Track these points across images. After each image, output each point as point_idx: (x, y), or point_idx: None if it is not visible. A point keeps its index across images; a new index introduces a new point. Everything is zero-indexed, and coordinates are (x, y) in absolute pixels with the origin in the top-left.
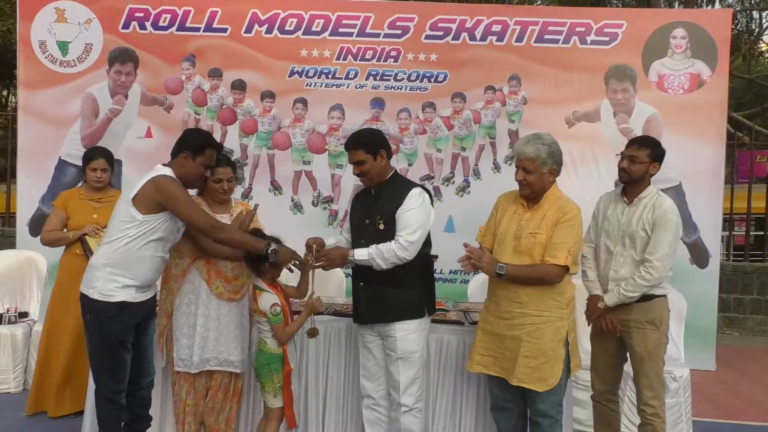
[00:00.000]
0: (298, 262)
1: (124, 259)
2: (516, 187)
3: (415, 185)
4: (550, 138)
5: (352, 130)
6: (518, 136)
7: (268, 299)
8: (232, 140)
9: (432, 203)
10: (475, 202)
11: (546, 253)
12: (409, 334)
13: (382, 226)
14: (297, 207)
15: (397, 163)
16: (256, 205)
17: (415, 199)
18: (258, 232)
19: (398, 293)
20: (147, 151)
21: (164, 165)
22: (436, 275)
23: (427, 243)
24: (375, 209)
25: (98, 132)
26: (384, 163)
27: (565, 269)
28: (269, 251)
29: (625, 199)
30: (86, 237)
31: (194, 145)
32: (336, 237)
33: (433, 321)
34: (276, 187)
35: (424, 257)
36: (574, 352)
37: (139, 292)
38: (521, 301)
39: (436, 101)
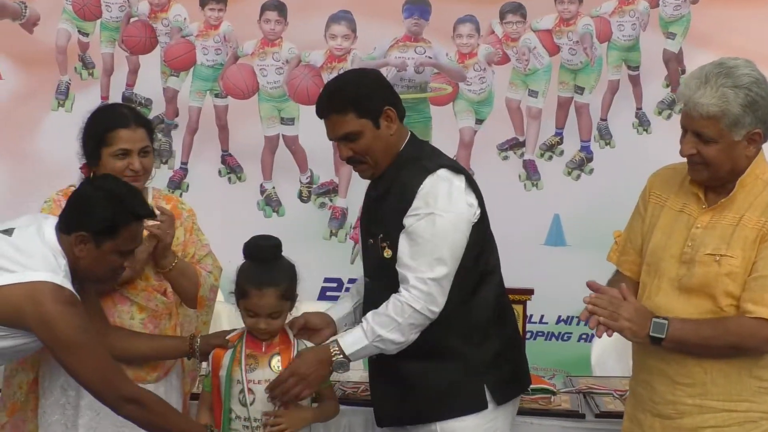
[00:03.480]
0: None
1: None
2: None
3: (441, 164)
4: (750, 72)
5: (366, 61)
6: (682, 63)
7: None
8: (148, 82)
9: (475, 192)
10: (601, 188)
11: (745, 295)
12: None
13: (388, 253)
14: (271, 204)
15: (456, 119)
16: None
17: (429, 191)
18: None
19: (433, 369)
20: None
21: (55, 225)
22: (534, 326)
23: (489, 269)
24: (377, 217)
25: None
26: (394, 129)
27: None
28: None
29: None
30: None
31: (98, 221)
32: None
33: (525, 412)
34: (231, 168)
35: (487, 297)
36: None
37: None
38: (696, 382)
39: (525, 2)
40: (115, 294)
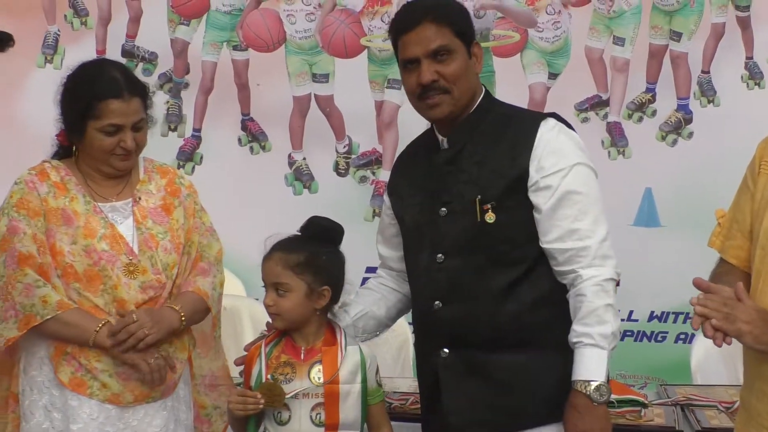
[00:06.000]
0: None
1: None
2: None
3: (542, 114)
4: None
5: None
6: None
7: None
8: (153, 32)
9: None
10: (702, 157)
11: None
12: None
13: (491, 216)
14: (302, 178)
15: (524, 73)
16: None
17: (553, 142)
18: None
19: (536, 362)
20: None
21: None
22: (621, 324)
23: None
24: (462, 179)
25: None
26: (479, 71)
27: None
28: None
29: None
30: None
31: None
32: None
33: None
34: (253, 135)
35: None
36: None
37: None
38: None
39: None
40: None
